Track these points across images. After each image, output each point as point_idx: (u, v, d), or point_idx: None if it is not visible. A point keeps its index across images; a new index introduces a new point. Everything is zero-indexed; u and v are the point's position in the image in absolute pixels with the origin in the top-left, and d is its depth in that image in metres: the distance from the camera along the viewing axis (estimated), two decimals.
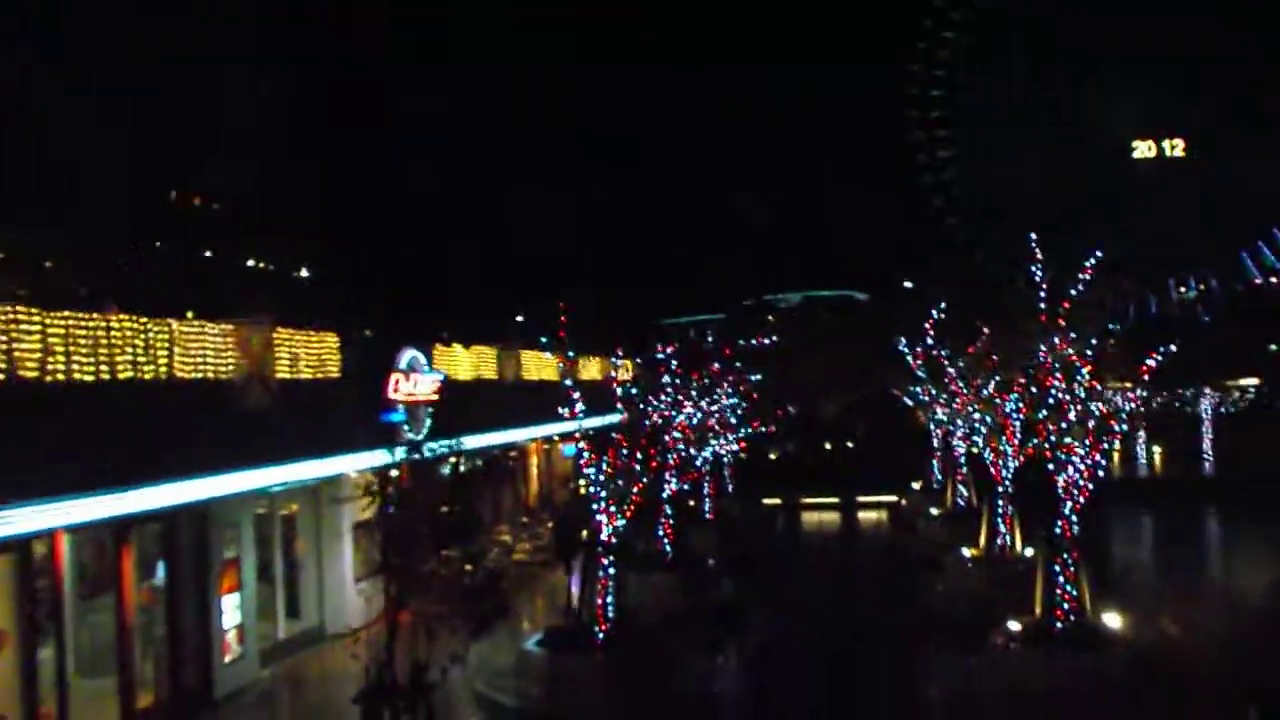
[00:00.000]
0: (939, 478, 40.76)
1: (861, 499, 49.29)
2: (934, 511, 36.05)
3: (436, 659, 22.33)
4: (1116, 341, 18.00)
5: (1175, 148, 78.22)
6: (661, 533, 27.76)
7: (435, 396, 25.30)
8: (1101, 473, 19.11)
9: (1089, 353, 17.98)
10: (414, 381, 24.23)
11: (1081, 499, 18.74)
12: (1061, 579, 18.53)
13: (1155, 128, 78.06)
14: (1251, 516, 41.56)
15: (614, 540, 20.04)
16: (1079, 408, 18.16)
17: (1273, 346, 61.07)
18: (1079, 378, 18.09)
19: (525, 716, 18.22)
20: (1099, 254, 18.36)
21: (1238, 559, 36.15)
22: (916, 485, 43.71)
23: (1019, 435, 25.99)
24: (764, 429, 43.67)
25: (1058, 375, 18.33)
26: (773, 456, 60.88)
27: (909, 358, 34.76)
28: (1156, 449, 56.07)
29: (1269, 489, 44.26)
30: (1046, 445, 18.74)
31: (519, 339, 31.46)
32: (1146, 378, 17.97)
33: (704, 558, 29.49)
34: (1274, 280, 73.22)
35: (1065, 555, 18.56)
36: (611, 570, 19.85)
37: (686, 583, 26.80)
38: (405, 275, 28.87)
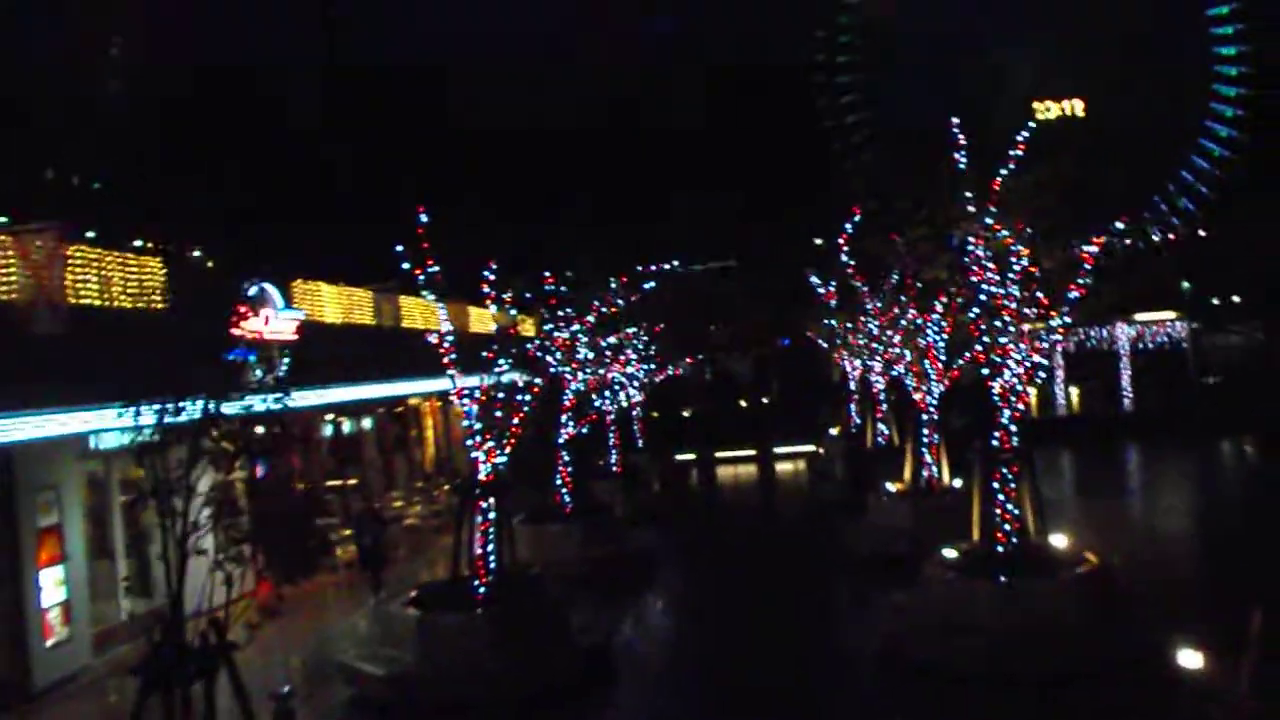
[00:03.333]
0: (857, 421, 38.84)
1: (779, 450, 47.71)
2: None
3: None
4: (1052, 224, 15.65)
5: (1075, 108, 78.04)
6: (559, 482, 25.13)
7: (294, 337, 22.33)
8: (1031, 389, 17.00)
9: (1025, 232, 15.70)
10: (264, 318, 21.21)
11: (1020, 406, 16.54)
12: (1002, 496, 16.28)
13: (1054, 90, 77.48)
14: (1169, 449, 40.84)
15: (494, 481, 17.33)
16: (1014, 301, 15.91)
17: (1185, 284, 60.43)
18: (1013, 267, 15.84)
19: (395, 685, 15.48)
20: (1031, 127, 16.12)
21: (1160, 488, 34.91)
22: (834, 431, 41.81)
23: (942, 356, 23.91)
24: (669, 379, 41.42)
25: (990, 266, 16.05)
26: (686, 414, 58.95)
27: (820, 291, 32.54)
28: (1074, 390, 55.18)
29: (1185, 423, 44.31)
30: (979, 347, 16.48)
31: (398, 282, 28.40)
32: (1088, 267, 15.73)
33: (608, 508, 26.95)
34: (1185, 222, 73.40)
35: (1004, 470, 16.31)
36: (492, 515, 17.14)
37: (587, 534, 24.24)
38: (257, 193, 25.58)
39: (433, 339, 17.46)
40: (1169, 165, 74.26)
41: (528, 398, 17.83)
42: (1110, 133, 69.21)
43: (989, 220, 15.68)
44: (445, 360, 17.24)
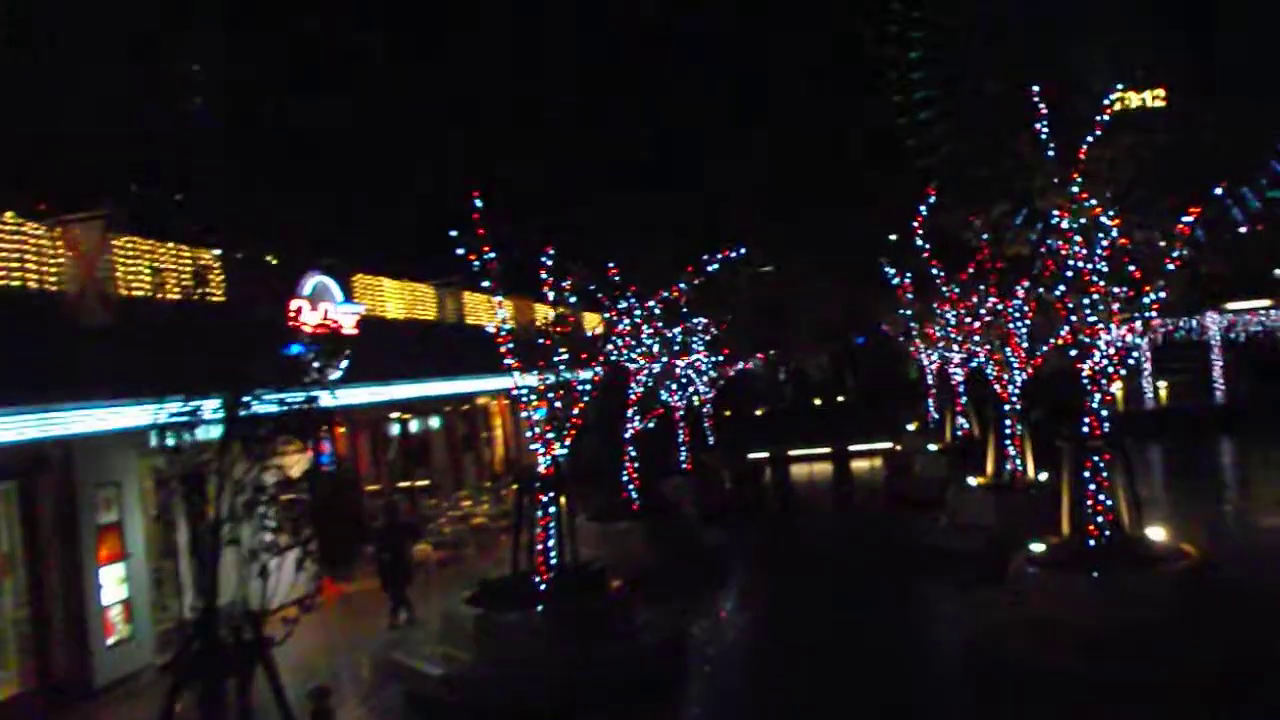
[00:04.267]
0: (935, 415, 37.59)
1: (855, 448, 46.51)
2: (932, 447, 32.81)
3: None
4: (1147, 190, 14.55)
5: (1157, 97, 75.44)
6: (626, 479, 24.44)
7: (354, 332, 21.96)
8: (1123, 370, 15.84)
9: (1112, 208, 14.61)
10: (323, 312, 20.86)
11: (1112, 389, 15.45)
12: (1093, 486, 15.19)
13: (1137, 79, 74.89)
14: (1263, 443, 38.89)
15: (554, 474, 16.69)
16: (1104, 276, 14.83)
17: (1278, 271, 58.00)
18: (1102, 240, 14.76)
19: (451, 685, 14.91)
20: (1120, 89, 15.02)
21: (1257, 483, 33.12)
22: (912, 426, 40.54)
23: (1025, 343, 22.79)
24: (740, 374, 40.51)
25: (1077, 241, 14.99)
26: (759, 413, 58.00)
27: (895, 281, 31.44)
28: (1162, 384, 53.12)
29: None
30: (1067, 327, 15.40)
31: (461, 276, 27.99)
32: (1185, 236, 14.57)
33: (677, 506, 26.18)
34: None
35: (1096, 458, 15.22)
36: (553, 510, 16.49)
37: (655, 532, 23.50)
38: (322, 187, 25.29)
39: (490, 329, 16.92)
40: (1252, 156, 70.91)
41: (589, 388, 17.18)
42: (1190, 124, 66.46)
43: (1075, 190, 14.62)
44: (503, 351, 16.66)
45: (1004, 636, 15.05)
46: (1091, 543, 15.20)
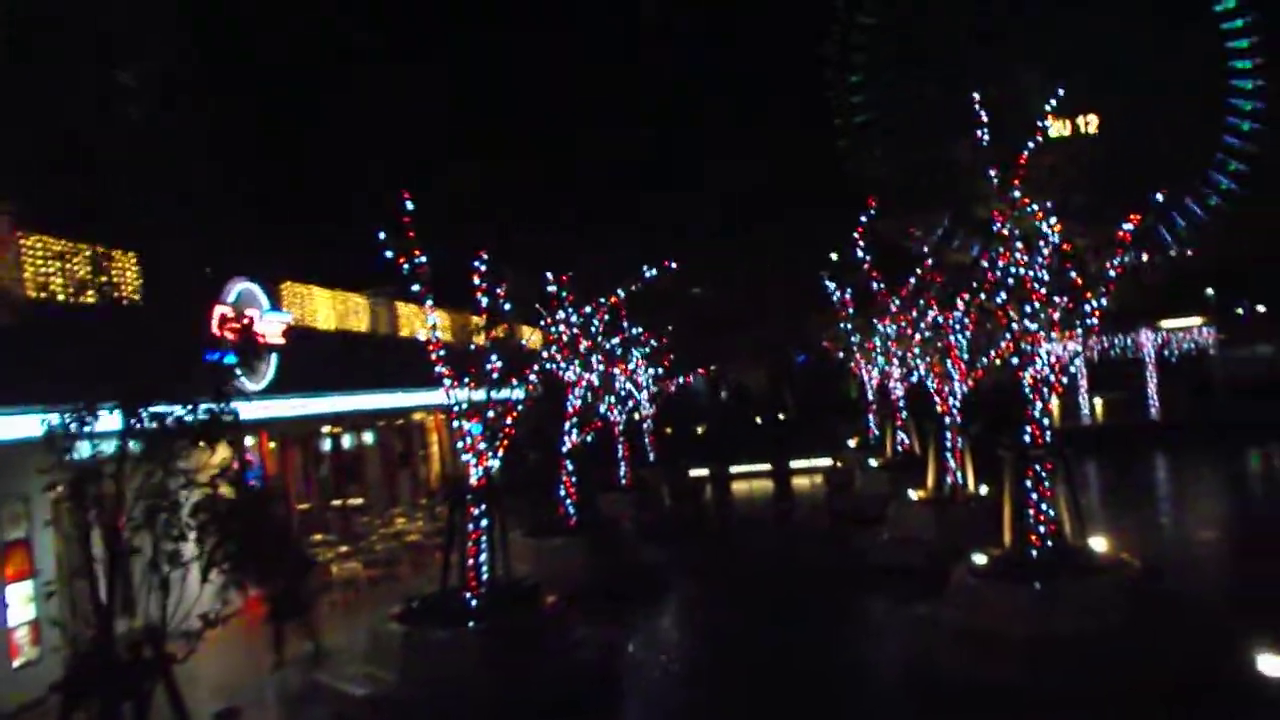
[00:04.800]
0: (876, 432, 37.50)
1: (796, 465, 46.40)
2: (873, 463, 32.65)
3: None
4: (1087, 197, 14.40)
5: (1089, 124, 76.46)
6: (563, 494, 23.88)
7: (280, 341, 21.23)
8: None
9: (1053, 214, 14.43)
10: (249, 320, 20.09)
11: (1054, 397, 15.25)
12: (1035, 495, 14.95)
13: (1069, 107, 75.69)
14: (1197, 459, 39.60)
15: (486, 486, 16.13)
16: (1045, 283, 14.65)
17: (1209, 291, 58.91)
18: (1043, 247, 14.58)
19: (376, 706, 14.24)
20: (1060, 94, 14.86)
21: (1193, 496, 33.45)
22: (852, 442, 40.42)
23: (966, 355, 22.66)
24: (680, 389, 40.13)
25: (1018, 248, 14.80)
26: (700, 431, 57.73)
27: (835, 296, 31.30)
28: (1098, 401, 53.67)
29: (1213, 433, 42.87)
30: (1008, 336, 15.19)
31: (395, 287, 27.33)
32: (1126, 242, 14.44)
33: (615, 522, 25.64)
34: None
35: (1038, 467, 14.99)
36: (484, 523, 15.92)
37: (593, 548, 22.95)
38: (255, 192, 24.43)
39: (422, 338, 16.37)
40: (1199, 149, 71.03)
41: (524, 399, 16.68)
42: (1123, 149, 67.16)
43: (1016, 194, 14.43)
44: (434, 359, 16.09)
45: (945, 650, 14.73)
46: (1034, 553, 14.94)
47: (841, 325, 32.05)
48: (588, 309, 20.36)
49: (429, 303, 15.89)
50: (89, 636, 9.29)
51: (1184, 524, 27.97)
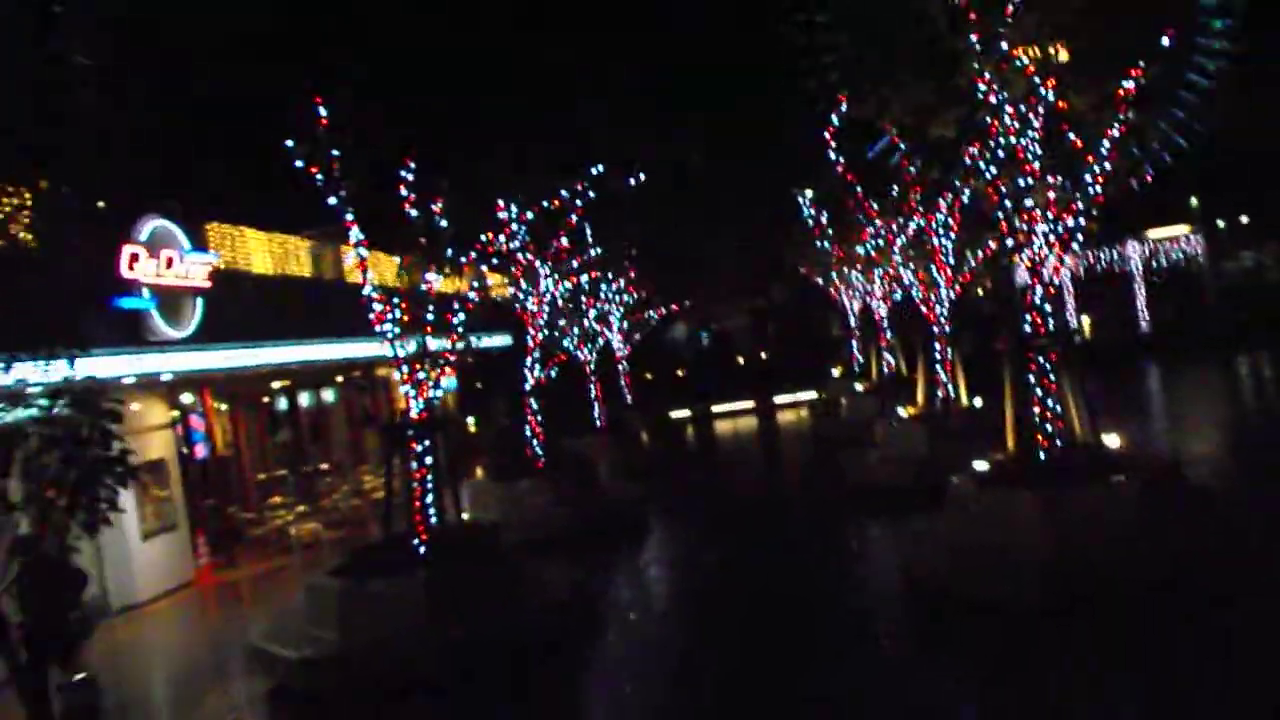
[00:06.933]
0: (860, 359, 36.03)
1: (781, 400, 45.07)
2: (859, 387, 31.18)
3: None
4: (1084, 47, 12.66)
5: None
6: (529, 434, 22.24)
7: (206, 284, 19.38)
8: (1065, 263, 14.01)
9: (1045, 70, 12.69)
10: (166, 261, 18.27)
11: (1055, 280, 13.60)
12: (1040, 391, 13.33)
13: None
14: (1191, 368, 38.68)
15: (428, 418, 14.45)
16: (1041, 148, 12.96)
17: (1194, 201, 57.27)
18: (1037, 109, 12.87)
19: (316, 668, 12.63)
20: None
21: (1195, 398, 32.12)
22: (836, 372, 38.98)
23: (951, 260, 21.07)
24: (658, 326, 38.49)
25: (1008, 113, 13.08)
26: (680, 374, 56.30)
27: (811, 214, 29.60)
28: (1085, 318, 52.31)
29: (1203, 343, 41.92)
30: (999, 214, 13.51)
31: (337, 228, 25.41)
32: (1130, 97, 12.69)
33: (589, 463, 24.04)
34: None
35: (1042, 360, 13.37)
36: (428, 460, 14.25)
37: (563, 489, 21.34)
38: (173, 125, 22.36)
39: (351, 264, 14.63)
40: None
41: (463, 317, 14.97)
42: None
43: (1004, 46, 12.67)
44: (364, 298, 14.38)
45: (942, 568, 13.15)
46: (1042, 455, 13.36)
47: (818, 243, 30.30)
48: (530, 215, 18.46)
49: (349, 217, 14.11)
50: None
51: (1188, 428, 26.49)
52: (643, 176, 21.53)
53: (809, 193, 29.18)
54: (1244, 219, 60.49)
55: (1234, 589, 11.15)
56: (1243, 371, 37.32)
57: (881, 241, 24.80)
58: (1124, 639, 10.56)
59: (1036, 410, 13.35)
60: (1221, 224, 59.39)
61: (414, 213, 14.70)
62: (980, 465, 14.13)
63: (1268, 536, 12.36)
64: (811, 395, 41.54)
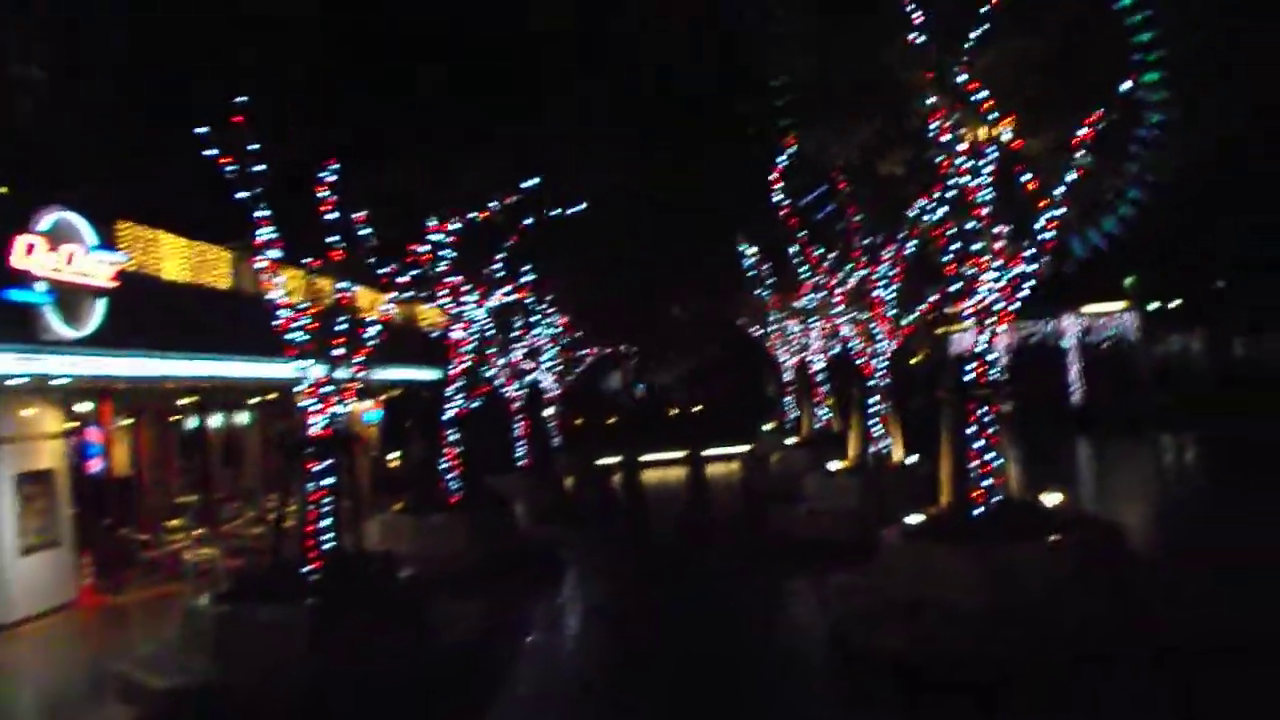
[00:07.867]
0: (794, 413, 35.51)
1: (714, 452, 44.44)
2: (789, 441, 30.57)
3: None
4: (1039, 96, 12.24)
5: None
6: (445, 468, 21.22)
7: (111, 284, 18.21)
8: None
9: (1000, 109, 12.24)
10: (67, 256, 17.10)
11: (1000, 328, 13.05)
12: (981, 444, 12.71)
13: None
14: (1120, 441, 39.01)
15: (331, 436, 13.46)
16: (994, 190, 12.46)
17: (1127, 281, 58.04)
18: (992, 142, 12.40)
19: (184, 698, 11.49)
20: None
21: (1121, 470, 32.12)
22: (769, 427, 38.41)
23: (893, 311, 20.61)
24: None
25: (961, 151, 12.57)
26: (611, 422, 55.52)
27: (752, 260, 29.16)
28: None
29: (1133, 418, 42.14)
30: (950, 256, 12.97)
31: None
32: (1084, 147, 12.27)
33: (506, 502, 22.98)
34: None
35: (982, 408, 12.76)
36: (328, 482, 13.23)
37: (477, 527, 20.33)
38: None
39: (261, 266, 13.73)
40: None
41: (377, 330, 14.09)
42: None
43: (960, 80, 12.18)
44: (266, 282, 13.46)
45: (867, 623, 12.38)
46: (977, 511, 12.71)
47: (758, 293, 29.78)
48: (456, 224, 17.55)
49: (263, 214, 13.19)
50: None
51: (1121, 497, 26.21)
52: (583, 205, 20.84)
53: (752, 248, 28.76)
54: (1176, 302, 61.54)
55: (1171, 650, 10.52)
56: (1167, 451, 37.56)
57: (824, 293, 24.35)
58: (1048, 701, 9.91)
59: (975, 464, 12.72)
60: (1153, 306, 60.32)
61: (333, 215, 13.80)
62: (913, 519, 13.44)
63: (1204, 601, 11.77)
64: (743, 449, 41.00)
